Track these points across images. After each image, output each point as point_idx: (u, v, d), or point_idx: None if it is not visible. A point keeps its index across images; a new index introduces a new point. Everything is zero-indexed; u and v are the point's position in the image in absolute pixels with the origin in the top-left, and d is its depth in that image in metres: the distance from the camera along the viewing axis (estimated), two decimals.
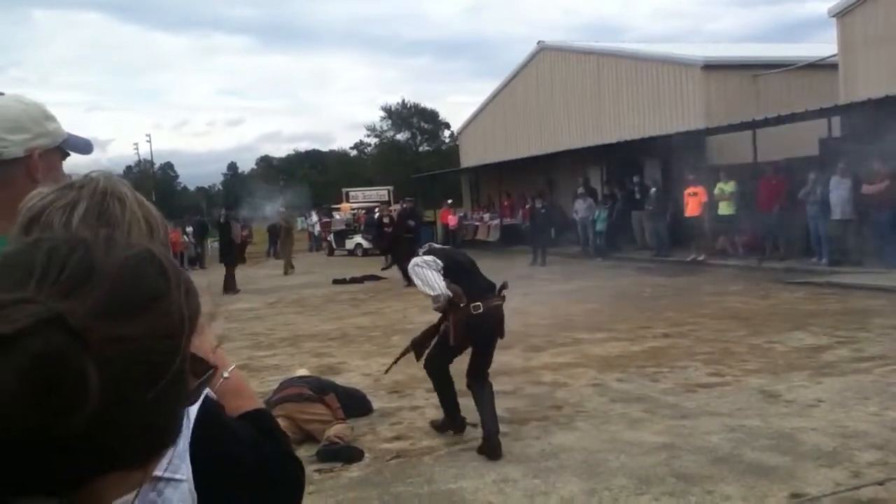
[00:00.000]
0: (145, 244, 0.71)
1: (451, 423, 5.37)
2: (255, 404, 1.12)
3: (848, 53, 15.07)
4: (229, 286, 16.28)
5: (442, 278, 4.97)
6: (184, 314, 0.68)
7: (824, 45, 17.77)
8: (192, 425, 0.85)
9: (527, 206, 20.77)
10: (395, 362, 5.67)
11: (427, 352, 5.34)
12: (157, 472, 0.77)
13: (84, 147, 1.66)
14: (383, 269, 18.02)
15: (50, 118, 1.56)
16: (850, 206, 13.01)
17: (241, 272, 17.40)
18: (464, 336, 5.09)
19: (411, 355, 5.44)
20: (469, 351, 5.26)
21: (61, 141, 1.58)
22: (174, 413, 0.70)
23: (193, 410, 0.86)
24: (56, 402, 0.58)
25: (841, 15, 15.14)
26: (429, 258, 5.07)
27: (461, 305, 4.99)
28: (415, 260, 5.08)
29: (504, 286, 5.27)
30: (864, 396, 5.67)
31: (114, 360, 0.61)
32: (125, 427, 0.63)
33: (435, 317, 5.35)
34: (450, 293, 4.94)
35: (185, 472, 0.82)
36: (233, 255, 17.19)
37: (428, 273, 4.98)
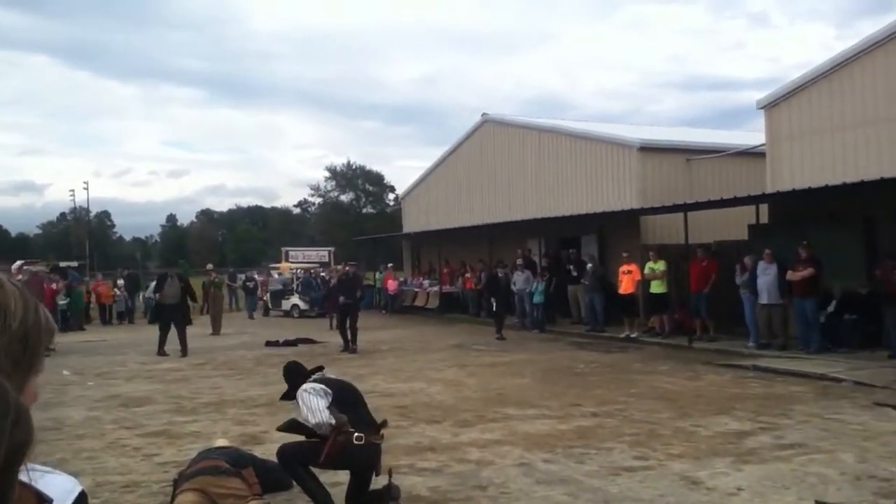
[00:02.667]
0: None
1: None
2: None
3: (775, 144, 15.82)
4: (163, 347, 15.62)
5: (327, 406, 5.11)
6: (2, 449, 0.65)
7: (756, 134, 18.64)
8: None
9: (482, 273, 21.06)
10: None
11: (286, 446, 5.41)
12: None
13: None
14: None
15: None
16: (776, 291, 13.43)
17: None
18: (336, 459, 5.16)
19: None
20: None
21: None
22: None
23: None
24: None
25: (769, 107, 15.94)
26: (318, 387, 5.23)
27: (344, 430, 5.10)
28: (304, 386, 5.25)
29: (384, 424, 5.43)
30: (782, 486, 5.75)
31: None
32: None
33: None
34: (332, 421, 5.08)
35: None
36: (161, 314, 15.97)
37: (314, 400, 5.14)
